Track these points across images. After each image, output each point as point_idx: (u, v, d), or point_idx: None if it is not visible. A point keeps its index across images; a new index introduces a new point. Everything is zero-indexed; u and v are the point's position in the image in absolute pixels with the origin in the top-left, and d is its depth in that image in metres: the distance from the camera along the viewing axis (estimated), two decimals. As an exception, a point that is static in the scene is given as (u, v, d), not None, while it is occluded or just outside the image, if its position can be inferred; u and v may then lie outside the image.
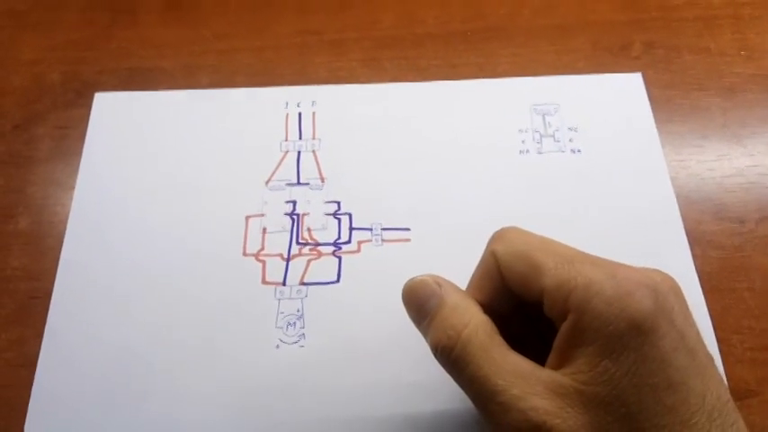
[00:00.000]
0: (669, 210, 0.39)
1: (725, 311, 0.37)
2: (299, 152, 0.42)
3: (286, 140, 0.43)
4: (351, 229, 0.40)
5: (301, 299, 0.37)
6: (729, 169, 0.42)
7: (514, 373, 0.24)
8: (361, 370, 0.35)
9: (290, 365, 0.35)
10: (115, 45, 0.48)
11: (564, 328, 0.24)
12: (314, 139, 0.43)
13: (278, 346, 0.36)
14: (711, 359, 0.24)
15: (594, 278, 0.23)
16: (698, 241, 0.39)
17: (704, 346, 0.24)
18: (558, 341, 0.24)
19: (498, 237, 0.28)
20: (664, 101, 0.44)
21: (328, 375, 0.35)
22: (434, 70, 0.46)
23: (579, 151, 0.42)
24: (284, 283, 0.38)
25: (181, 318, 0.37)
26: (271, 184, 0.41)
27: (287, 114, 0.44)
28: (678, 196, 0.40)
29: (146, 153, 0.42)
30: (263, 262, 0.38)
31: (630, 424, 0.21)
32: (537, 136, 0.42)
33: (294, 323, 0.37)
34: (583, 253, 0.26)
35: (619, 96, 0.44)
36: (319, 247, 0.39)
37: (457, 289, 0.28)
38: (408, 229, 0.39)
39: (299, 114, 0.44)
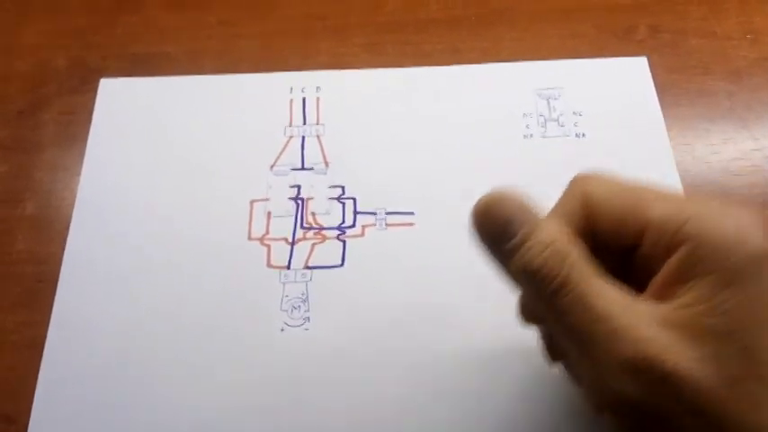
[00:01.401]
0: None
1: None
2: (303, 137, 0.42)
3: (290, 125, 0.43)
4: (355, 213, 0.40)
5: (306, 282, 0.38)
6: (735, 153, 0.42)
7: (623, 303, 0.22)
8: (365, 353, 0.35)
9: (295, 348, 0.36)
10: (120, 31, 0.48)
11: (674, 259, 0.22)
12: (318, 124, 0.43)
13: (283, 330, 0.36)
14: None
15: (709, 210, 0.23)
16: (702, 225, 0.39)
17: None
18: (663, 275, 0.23)
19: (584, 179, 0.26)
20: (669, 85, 0.44)
21: (333, 358, 0.35)
22: (438, 55, 0.46)
23: (584, 135, 0.42)
24: (289, 267, 0.38)
25: (186, 301, 0.37)
26: (275, 168, 0.41)
27: (291, 100, 0.44)
28: (683, 180, 0.40)
29: (151, 138, 0.42)
30: (268, 246, 0.39)
31: (751, 356, 0.21)
32: (541, 120, 0.42)
33: (299, 306, 0.37)
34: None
35: (624, 80, 0.44)
36: (324, 231, 0.39)
37: (549, 214, 0.26)
38: (412, 213, 0.39)
39: (304, 100, 0.44)
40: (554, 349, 0.29)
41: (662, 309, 0.22)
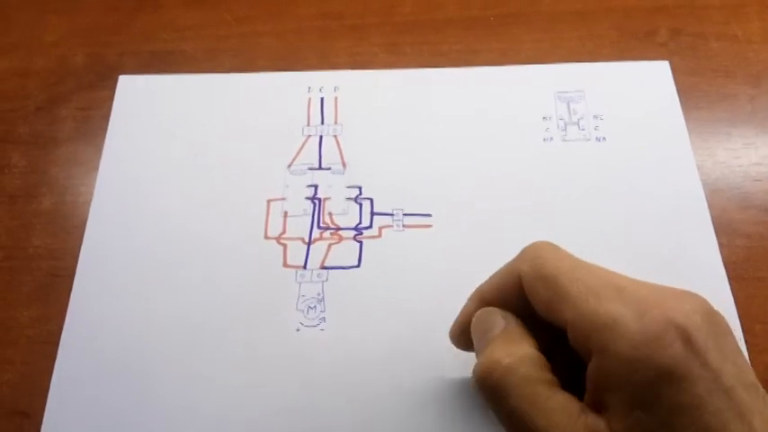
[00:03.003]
0: (696, 199, 0.39)
1: (750, 301, 0.36)
2: (320, 137, 0.42)
3: (308, 125, 0.43)
4: (372, 214, 0.40)
5: (322, 282, 0.37)
6: (756, 157, 0.41)
7: (557, 412, 0.22)
8: (380, 354, 0.35)
9: (311, 349, 0.35)
10: (138, 28, 0.48)
11: (590, 368, 0.23)
12: (336, 124, 0.43)
13: (298, 330, 0.36)
14: (755, 388, 0.22)
15: (619, 317, 0.22)
16: (723, 230, 0.38)
17: (746, 376, 0.22)
18: (587, 380, 0.23)
19: (526, 254, 0.27)
20: (690, 88, 0.43)
21: (348, 359, 0.35)
22: (455, 56, 0.46)
23: (604, 139, 0.41)
24: (305, 267, 0.38)
25: (202, 299, 0.37)
26: (292, 168, 0.41)
27: (309, 99, 0.44)
28: (704, 184, 0.40)
29: (168, 136, 0.42)
30: (285, 245, 0.38)
31: None
32: (561, 123, 0.42)
33: (315, 307, 0.37)
34: (615, 280, 0.24)
35: (645, 84, 0.43)
36: (340, 232, 0.39)
37: (519, 323, 0.26)
38: (430, 215, 0.39)
39: (322, 99, 0.44)
40: None
41: (597, 423, 0.22)
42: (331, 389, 0.34)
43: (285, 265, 0.38)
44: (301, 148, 0.42)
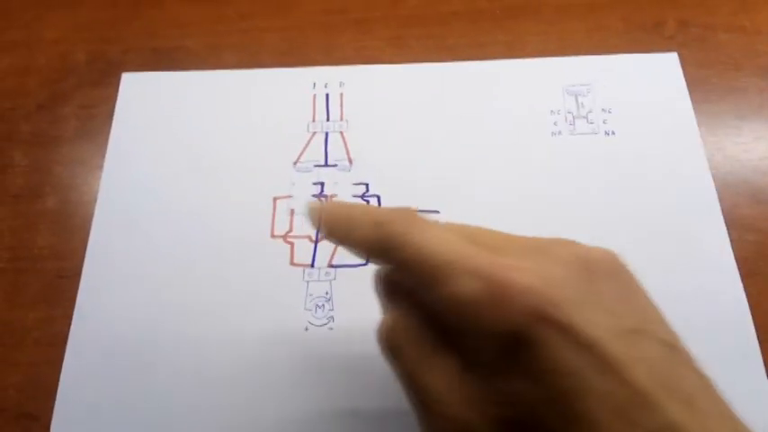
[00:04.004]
0: (706, 193, 0.39)
1: (761, 296, 0.36)
2: (326, 133, 0.42)
3: (314, 121, 0.42)
4: (379, 210, 0.39)
5: (330, 281, 0.37)
6: (766, 151, 0.41)
7: (439, 373, 0.22)
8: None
9: (319, 348, 0.35)
10: (140, 24, 0.47)
11: (459, 338, 0.22)
12: (341, 120, 0.42)
13: (307, 329, 0.36)
14: (636, 335, 0.20)
15: (469, 295, 0.21)
16: (734, 225, 0.38)
17: (624, 322, 0.20)
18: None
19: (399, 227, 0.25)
20: (699, 81, 0.43)
21: (357, 357, 0.35)
22: (462, 49, 0.45)
23: (613, 133, 0.41)
24: (312, 265, 0.38)
25: (209, 298, 0.37)
26: (298, 165, 0.41)
27: (314, 95, 0.43)
28: (714, 179, 0.39)
29: (173, 134, 0.42)
30: (292, 244, 0.38)
31: None
32: (570, 117, 0.41)
33: (323, 305, 0.36)
34: (480, 239, 0.23)
35: (654, 77, 0.43)
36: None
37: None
38: (438, 212, 0.39)
39: (327, 95, 0.43)
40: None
41: (470, 387, 0.22)
42: (340, 387, 0.34)
43: (292, 263, 0.38)
44: (307, 144, 0.41)
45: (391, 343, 0.24)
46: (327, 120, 0.42)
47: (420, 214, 0.24)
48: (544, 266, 0.21)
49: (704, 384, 0.20)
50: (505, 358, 0.20)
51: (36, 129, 0.43)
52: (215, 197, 0.40)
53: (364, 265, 0.37)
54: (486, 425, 0.21)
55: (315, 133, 0.42)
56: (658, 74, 0.43)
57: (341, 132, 0.42)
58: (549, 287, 0.20)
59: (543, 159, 0.40)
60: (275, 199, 0.40)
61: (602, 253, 0.22)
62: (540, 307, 0.20)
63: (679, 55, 0.44)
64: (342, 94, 0.43)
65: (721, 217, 0.38)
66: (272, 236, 0.38)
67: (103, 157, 0.42)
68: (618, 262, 0.23)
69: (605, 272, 0.22)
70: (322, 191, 0.40)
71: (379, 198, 0.39)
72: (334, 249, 0.38)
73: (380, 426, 0.33)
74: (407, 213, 0.24)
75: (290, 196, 0.40)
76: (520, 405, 0.20)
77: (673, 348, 0.21)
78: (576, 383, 0.19)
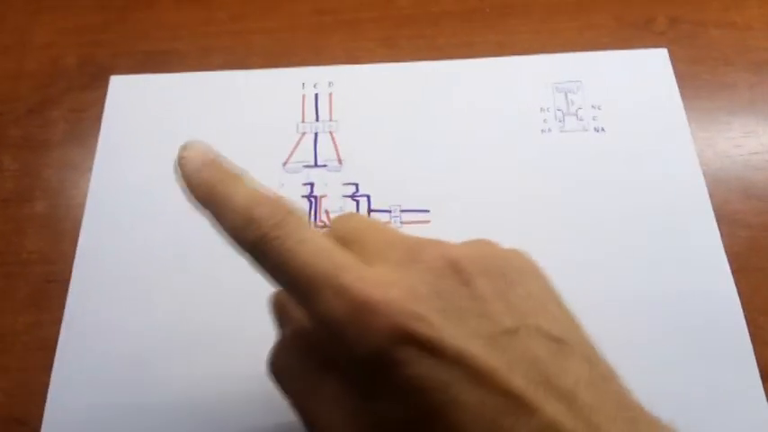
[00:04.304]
0: (697, 189, 0.38)
1: (753, 292, 0.36)
2: (315, 134, 0.42)
3: (303, 122, 0.42)
4: (369, 211, 0.39)
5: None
6: (757, 146, 0.41)
7: (322, 403, 0.22)
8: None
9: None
10: (129, 28, 0.47)
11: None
12: (331, 120, 0.42)
13: (297, 330, 0.36)
14: (511, 334, 0.19)
15: (330, 304, 0.20)
16: (725, 220, 0.38)
17: (495, 323, 0.19)
18: None
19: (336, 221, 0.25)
20: (689, 77, 0.43)
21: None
22: (452, 49, 0.45)
23: (603, 130, 0.41)
24: (303, 266, 0.37)
25: (200, 302, 0.37)
26: (288, 166, 0.41)
27: (303, 96, 0.43)
28: (705, 174, 0.39)
29: (162, 136, 0.42)
30: (282, 244, 0.38)
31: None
32: (559, 114, 0.41)
33: (313, 306, 0.36)
34: (359, 242, 0.22)
35: (644, 73, 0.43)
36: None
37: None
38: (428, 211, 0.39)
39: (316, 95, 0.43)
40: None
41: (349, 403, 0.21)
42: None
43: (283, 264, 0.37)
44: (296, 145, 0.41)
45: (278, 368, 0.23)
46: (317, 120, 0.42)
47: (295, 213, 0.22)
48: (412, 276, 0.20)
49: (594, 376, 0.19)
50: (373, 380, 0.20)
51: (25, 133, 0.43)
52: (204, 199, 0.39)
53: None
54: None
55: (304, 134, 0.42)
56: (648, 70, 0.43)
57: (330, 132, 0.42)
58: (412, 301, 0.19)
59: (533, 157, 0.40)
60: (265, 200, 0.39)
61: (474, 250, 0.21)
62: (402, 324, 0.19)
63: (669, 51, 0.43)
64: (331, 94, 0.43)
65: (712, 213, 0.38)
66: (262, 237, 0.38)
67: (93, 160, 0.41)
68: (494, 256, 0.21)
69: (478, 271, 0.20)
70: (312, 191, 0.40)
71: (369, 198, 0.39)
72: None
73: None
74: (281, 212, 0.22)
75: (279, 197, 0.39)
76: (392, 427, 0.20)
77: (558, 341, 0.20)
78: (445, 398, 0.18)
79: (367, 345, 0.19)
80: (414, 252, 0.21)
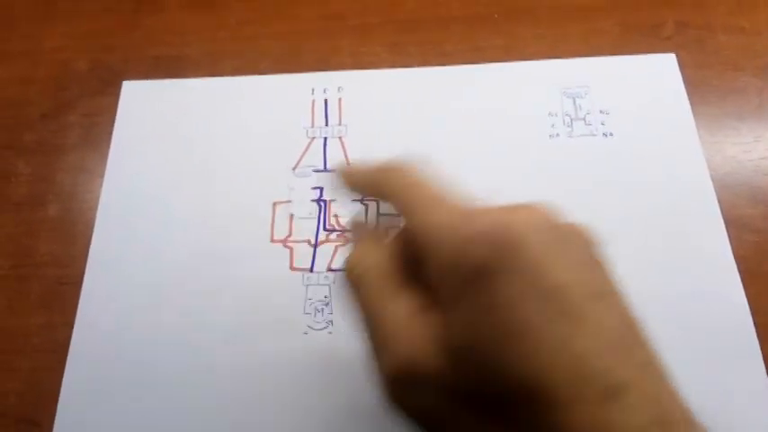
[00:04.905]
0: (705, 194, 0.38)
1: (761, 295, 0.36)
2: (325, 138, 0.42)
3: (312, 127, 0.42)
4: (378, 215, 0.39)
5: (329, 285, 0.37)
6: (765, 151, 0.41)
7: (397, 311, 0.23)
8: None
9: (319, 352, 0.35)
10: (140, 33, 0.48)
11: (427, 269, 0.23)
12: (340, 125, 0.42)
13: (306, 333, 0.36)
14: (600, 297, 0.20)
15: (443, 223, 0.22)
16: (733, 224, 0.38)
17: (591, 286, 0.20)
18: (428, 280, 0.23)
19: (394, 167, 0.27)
20: (697, 82, 0.43)
21: (356, 361, 0.35)
22: (460, 54, 0.45)
23: (612, 134, 0.41)
24: (312, 270, 0.38)
25: (209, 304, 0.37)
26: (298, 170, 0.41)
27: (313, 101, 0.43)
28: (713, 179, 0.39)
29: (173, 141, 0.42)
30: (291, 248, 0.38)
31: (483, 373, 0.20)
32: (567, 119, 0.41)
33: (322, 309, 0.36)
34: (452, 203, 0.24)
35: (652, 78, 0.43)
36: (347, 234, 0.39)
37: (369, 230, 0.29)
38: (436, 215, 0.39)
39: (326, 101, 0.43)
40: None
41: (426, 320, 0.22)
42: (340, 391, 0.34)
43: (292, 268, 0.38)
44: (306, 149, 0.42)
45: (357, 273, 0.25)
46: (326, 125, 0.42)
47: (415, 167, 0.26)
48: (518, 217, 0.22)
49: (652, 359, 0.20)
50: (461, 289, 0.21)
51: (39, 138, 0.44)
52: (215, 202, 0.40)
53: (363, 268, 0.37)
54: (433, 360, 0.21)
55: (314, 138, 0.42)
56: (656, 75, 0.43)
57: (339, 137, 0.42)
58: (519, 232, 0.21)
59: (541, 162, 0.40)
60: (275, 204, 0.40)
61: (573, 222, 0.23)
62: (507, 246, 0.20)
63: (677, 56, 0.44)
64: (340, 100, 0.43)
65: (720, 217, 0.38)
66: (272, 240, 0.39)
67: (105, 164, 0.42)
68: (588, 233, 0.23)
69: (575, 237, 0.22)
70: (321, 195, 0.40)
71: (378, 202, 0.39)
72: (334, 253, 0.38)
73: (380, 428, 0.33)
74: (404, 162, 0.26)
75: (289, 201, 0.40)
76: (473, 341, 0.20)
77: (630, 327, 0.21)
78: (534, 326, 0.19)
79: (472, 253, 0.21)
80: (512, 209, 0.23)
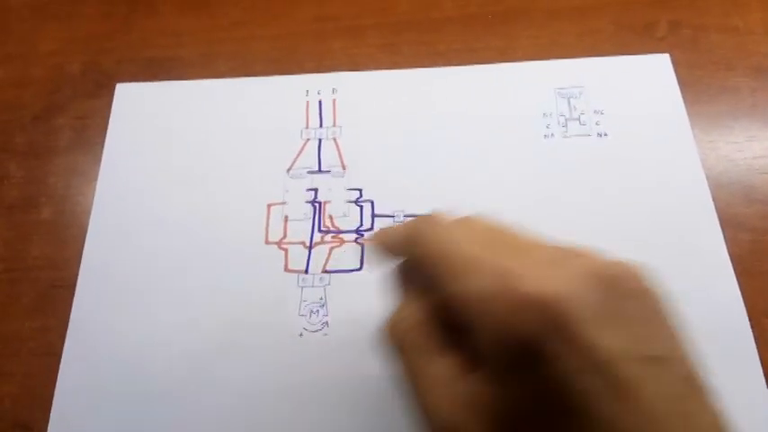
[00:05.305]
0: (700, 192, 0.39)
1: (757, 294, 0.36)
2: (319, 140, 0.42)
3: (307, 128, 0.42)
4: (373, 216, 0.39)
5: (324, 287, 0.37)
6: (759, 150, 0.41)
7: (437, 377, 0.22)
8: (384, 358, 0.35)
9: (314, 353, 0.35)
10: (134, 35, 0.48)
11: (467, 337, 0.22)
12: (334, 126, 0.42)
13: (301, 335, 0.36)
14: (656, 361, 0.19)
15: (485, 292, 0.21)
16: (728, 224, 0.38)
17: (644, 347, 0.19)
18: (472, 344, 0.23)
19: (426, 224, 0.26)
20: (691, 81, 0.43)
21: (352, 363, 0.35)
22: (454, 55, 0.45)
23: (606, 135, 0.41)
24: (307, 271, 0.38)
25: (204, 307, 0.37)
26: (292, 172, 0.41)
27: (307, 102, 0.43)
28: (708, 178, 0.39)
29: (167, 143, 0.42)
30: (286, 250, 0.38)
31: None
32: (562, 120, 0.41)
33: (317, 311, 0.36)
34: (501, 240, 0.23)
35: (646, 78, 0.43)
36: (341, 235, 0.39)
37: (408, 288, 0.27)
38: (431, 216, 0.39)
39: (320, 102, 0.43)
40: None
41: (469, 387, 0.21)
42: (335, 393, 0.34)
43: (287, 269, 0.38)
44: (300, 151, 0.41)
45: (400, 335, 0.24)
46: (320, 126, 0.42)
47: (446, 215, 0.25)
48: (564, 278, 0.20)
49: (717, 425, 0.19)
50: (510, 363, 0.20)
51: (31, 140, 0.44)
52: (209, 205, 0.40)
53: (358, 270, 0.37)
54: (473, 427, 0.21)
55: (308, 140, 0.42)
56: (650, 75, 0.43)
57: (334, 138, 0.42)
58: (567, 300, 0.19)
59: (536, 162, 0.40)
60: (269, 206, 0.40)
61: (627, 269, 0.21)
62: (557, 319, 0.19)
63: (671, 56, 0.44)
64: (334, 101, 0.43)
65: (716, 216, 0.38)
66: (267, 242, 0.38)
67: (98, 167, 0.42)
68: (643, 280, 0.21)
69: (629, 290, 0.20)
70: (316, 197, 0.40)
71: (372, 203, 0.39)
72: (329, 255, 0.38)
73: (376, 429, 0.33)
74: (435, 214, 0.25)
75: (283, 203, 0.40)
76: (519, 414, 0.20)
77: (693, 385, 0.20)
78: (584, 403, 0.18)
79: (517, 329, 0.19)
80: (562, 257, 0.22)
